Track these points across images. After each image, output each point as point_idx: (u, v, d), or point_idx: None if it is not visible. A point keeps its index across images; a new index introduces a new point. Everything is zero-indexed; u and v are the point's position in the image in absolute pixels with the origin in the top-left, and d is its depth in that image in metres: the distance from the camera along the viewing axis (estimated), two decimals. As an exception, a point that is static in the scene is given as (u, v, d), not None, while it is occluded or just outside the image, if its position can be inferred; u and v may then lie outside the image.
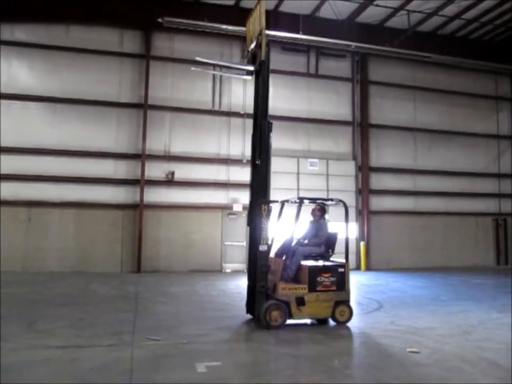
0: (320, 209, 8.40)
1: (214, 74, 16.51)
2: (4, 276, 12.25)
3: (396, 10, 16.41)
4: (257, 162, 7.71)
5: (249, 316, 7.80)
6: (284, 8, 16.02)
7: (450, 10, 16.28)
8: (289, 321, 7.32)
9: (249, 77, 8.76)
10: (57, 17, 15.35)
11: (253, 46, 8.34)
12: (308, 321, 7.75)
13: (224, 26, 15.12)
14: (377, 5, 15.88)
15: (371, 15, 16.63)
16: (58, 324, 7.27)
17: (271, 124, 7.89)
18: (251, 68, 8.41)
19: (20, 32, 15.27)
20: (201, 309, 9.06)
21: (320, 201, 8.55)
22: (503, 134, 20.41)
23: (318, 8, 16.18)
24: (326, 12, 16.31)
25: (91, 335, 6.61)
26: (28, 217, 14.79)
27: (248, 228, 8.02)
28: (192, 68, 10.74)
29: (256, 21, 8.10)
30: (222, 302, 9.83)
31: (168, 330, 6.98)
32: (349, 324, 7.55)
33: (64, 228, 15.05)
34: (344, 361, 5.82)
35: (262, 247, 7.38)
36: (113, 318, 7.87)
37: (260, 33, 7.91)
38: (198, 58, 9.69)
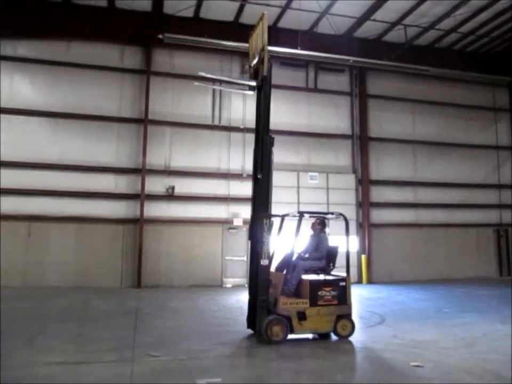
0: (320, 223, 8.40)
1: (214, 89, 16.61)
2: (4, 290, 12.20)
3: (393, 25, 16.58)
4: (258, 176, 7.75)
5: (250, 331, 7.75)
6: (283, 24, 16.18)
7: (446, 24, 16.45)
8: (290, 336, 7.27)
9: (251, 92, 8.86)
10: (59, 34, 15.50)
11: (255, 61, 8.45)
12: (310, 336, 7.68)
13: (224, 42, 15.25)
14: (374, 20, 16.05)
15: (368, 29, 16.80)
16: (58, 340, 7.23)
17: (273, 138, 7.95)
18: (253, 83, 8.49)
19: (22, 48, 15.42)
20: (202, 324, 9.00)
21: (320, 215, 8.55)
22: (502, 144, 20.46)
23: (316, 23, 16.35)
24: (324, 27, 16.48)
25: (91, 351, 6.56)
26: (28, 232, 14.77)
27: (249, 242, 8.01)
28: (196, 83, 10.82)
29: (259, 37, 8.26)
30: (223, 317, 9.76)
31: (168, 345, 6.93)
32: (351, 338, 7.48)
33: (64, 242, 15.00)
34: (346, 376, 5.76)
35: (264, 261, 7.36)
36: (113, 333, 7.82)
37: (262, 49, 8.03)
38: (201, 74, 9.77)
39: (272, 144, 7.90)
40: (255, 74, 8.55)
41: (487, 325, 8.63)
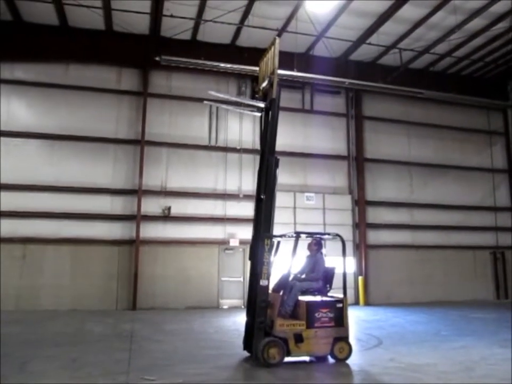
0: (317, 244, 8.37)
1: (210, 111, 16.77)
2: (-2, 314, 12.03)
3: (388, 49, 16.84)
4: (262, 197, 7.76)
5: (246, 353, 7.64)
6: (279, 46, 16.32)
7: (441, 48, 16.71)
8: (287, 359, 7.17)
9: (258, 114, 8.98)
10: (56, 56, 15.63)
11: (264, 84, 8.58)
12: (307, 358, 7.58)
13: (220, 64, 15.40)
14: (369, 43, 16.27)
15: (364, 53, 17.05)
16: (52, 365, 7.10)
17: (278, 159, 8.01)
18: (262, 105, 8.60)
19: (20, 71, 15.52)
20: (198, 346, 8.87)
21: (317, 235, 8.52)
22: (498, 167, 20.59)
23: (312, 46, 16.62)
24: (320, 50, 16.74)
25: (85, 376, 6.45)
26: (23, 254, 14.64)
27: (249, 262, 7.98)
28: (205, 102, 10.96)
29: (269, 61, 8.46)
30: (219, 340, 9.65)
31: (163, 369, 6.82)
32: (349, 361, 7.39)
33: (59, 264, 14.87)
34: (344, 400, 5.68)
35: (263, 282, 7.30)
36: (108, 357, 7.69)
37: (273, 73, 8.15)
38: (211, 93, 9.91)
39: (277, 166, 7.95)
40: (263, 97, 8.67)
41: (485, 349, 8.54)
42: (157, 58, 14.80)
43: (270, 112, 8.24)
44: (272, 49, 8.36)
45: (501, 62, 18.44)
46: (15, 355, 7.71)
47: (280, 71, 15.44)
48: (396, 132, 19.19)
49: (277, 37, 8.42)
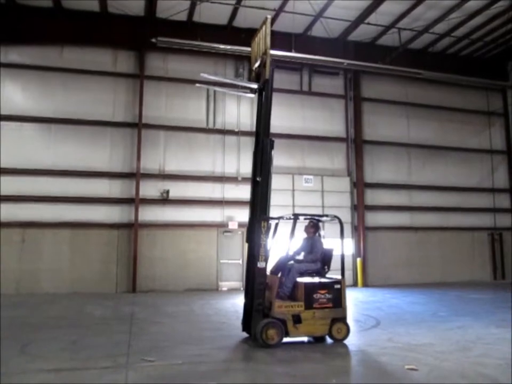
0: (313, 226, 8.36)
1: (208, 93, 16.65)
2: (-2, 298, 12.10)
3: (387, 28, 16.66)
4: (258, 179, 7.72)
5: (245, 335, 7.71)
6: (276, 27, 16.15)
7: (440, 28, 16.54)
8: (286, 340, 7.23)
9: (252, 95, 8.87)
10: (51, 39, 15.46)
11: (257, 64, 8.47)
12: (305, 339, 7.65)
13: (218, 46, 15.25)
14: (368, 23, 16.10)
15: (363, 33, 16.87)
16: (52, 347, 7.14)
17: (273, 141, 7.92)
18: (255, 86, 8.51)
19: (14, 54, 15.36)
20: (197, 328, 8.95)
21: (315, 217, 8.52)
22: (496, 148, 20.55)
23: (310, 27, 16.43)
24: (318, 31, 16.56)
25: (85, 358, 6.49)
26: (22, 239, 14.67)
27: (246, 245, 7.98)
28: (197, 85, 10.83)
29: (261, 41, 8.29)
30: (218, 321, 9.72)
31: (163, 351, 6.88)
32: (346, 342, 7.45)
33: (58, 248, 14.93)
34: (341, 380, 5.73)
35: (260, 264, 7.32)
36: (108, 339, 7.75)
37: (265, 53, 8.04)
38: (203, 75, 9.78)
39: (272, 147, 7.89)
40: (257, 77, 8.58)
41: (481, 329, 8.61)
42: (153, 40, 14.67)
43: (264, 93, 8.14)
44: (264, 28, 8.19)
45: (500, 42, 18.29)
46: (16, 338, 7.76)
47: (278, 52, 15.49)
48: (395, 113, 19.10)
49: (268, 16, 8.22)
